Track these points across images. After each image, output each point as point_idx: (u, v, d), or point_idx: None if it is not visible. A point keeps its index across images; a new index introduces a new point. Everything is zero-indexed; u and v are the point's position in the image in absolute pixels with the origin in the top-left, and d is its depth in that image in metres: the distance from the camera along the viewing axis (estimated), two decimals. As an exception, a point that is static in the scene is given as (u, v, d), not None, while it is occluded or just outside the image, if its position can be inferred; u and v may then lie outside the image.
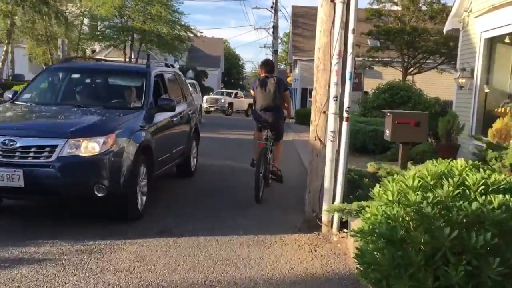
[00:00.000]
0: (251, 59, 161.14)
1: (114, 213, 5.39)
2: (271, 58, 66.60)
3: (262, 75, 7.05)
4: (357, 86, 20.17)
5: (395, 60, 20.25)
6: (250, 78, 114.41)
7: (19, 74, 24.14)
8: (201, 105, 22.19)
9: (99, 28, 28.81)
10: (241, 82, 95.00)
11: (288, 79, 41.91)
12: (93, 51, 42.11)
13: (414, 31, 17.92)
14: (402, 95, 13.00)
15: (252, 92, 7.18)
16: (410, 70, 19.55)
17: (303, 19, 30.76)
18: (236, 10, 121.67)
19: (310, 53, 27.00)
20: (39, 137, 4.84)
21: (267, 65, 7.25)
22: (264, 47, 70.01)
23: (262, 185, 6.53)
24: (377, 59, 20.11)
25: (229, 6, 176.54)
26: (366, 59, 20.18)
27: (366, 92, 19.22)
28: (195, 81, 21.90)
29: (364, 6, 21.76)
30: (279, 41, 34.92)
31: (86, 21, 30.24)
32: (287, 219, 5.87)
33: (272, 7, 33.53)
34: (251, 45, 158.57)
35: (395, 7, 20.02)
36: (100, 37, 28.07)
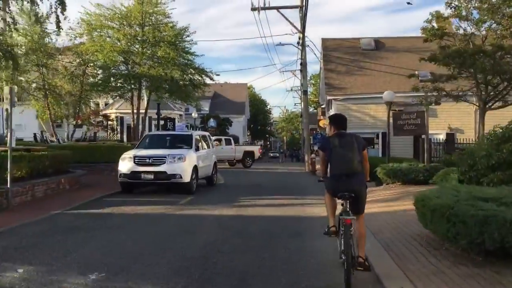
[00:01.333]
0: (278, 104, 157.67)
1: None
2: (299, 101, 62.79)
3: (333, 132, 5.67)
4: (419, 128, 15.17)
5: (466, 92, 15.19)
6: (279, 124, 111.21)
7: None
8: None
9: (99, 77, 25.00)
10: (268, 128, 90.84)
11: (321, 123, 36.96)
12: (106, 104, 38.70)
13: (499, 49, 12.96)
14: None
15: (321, 153, 5.83)
16: (491, 103, 14.40)
17: (336, 53, 26.36)
18: (262, 57, 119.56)
19: (347, 91, 21.86)
20: None
21: (340, 120, 5.83)
22: (291, 90, 66.37)
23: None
24: (442, 92, 15.15)
25: (255, 55, 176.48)
26: (430, 93, 15.27)
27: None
28: (207, 133, 17.39)
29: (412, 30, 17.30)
30: (307, 83, 30.30)
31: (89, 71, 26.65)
32: None
33: (298, 43, 29.30)
34: (277, 91, 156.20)
35: (463, 25, 15.14)
36: (102, 87, 24.21)
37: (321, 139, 44.16)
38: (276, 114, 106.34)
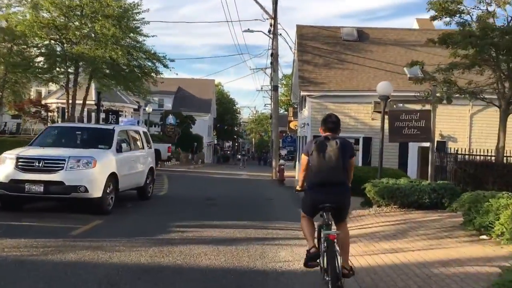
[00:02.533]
0: (249, 105, 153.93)
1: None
2: (269, 102, 58.77)
3: (322, 135, 5.00)
4: (423, 132, 11.39)
5: (484, 87, 11.54)
6: (248, 125, 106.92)
7: None
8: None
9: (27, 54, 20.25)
10: (236, 129, 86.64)
11: (292, 125, 33.15)
12: (49, 92, 33.77)
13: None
14: None
15: (304, 157, 4.99)
16: (517, 103, 10.82)
17: (313, 42, 22.58)
18: (235, 59, 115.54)
19: (324, 87, 17.62)
20: None
21: (332, 121, 5.12)
22: (261, 89, 62.51)
23: None
24: (454, 87, 11.46)
25: (227, 55, 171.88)
26: (441, 87, 11.57)
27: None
28: (142, 128, 13.16)
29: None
30: (278, 78, 26.41)
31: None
32: None
33: (269, 31, 25.40)
34: (248, 93, 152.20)
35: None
36: (24, 68, 19.48)
37: (291, 141, 40.48)
38: (245, 115, 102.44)
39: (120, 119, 30.58)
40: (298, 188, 5.34)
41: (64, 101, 29.07)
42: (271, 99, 55.88)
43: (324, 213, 4.72)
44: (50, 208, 9.74)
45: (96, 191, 8.99)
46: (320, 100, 20.70)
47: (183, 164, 35.78)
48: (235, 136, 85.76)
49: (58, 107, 32.23)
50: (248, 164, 56.02)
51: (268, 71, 62.62)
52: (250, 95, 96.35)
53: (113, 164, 9.70)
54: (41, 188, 8.66)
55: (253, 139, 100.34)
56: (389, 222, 9.35)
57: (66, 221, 8.46)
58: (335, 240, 4.59)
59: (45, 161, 8.80)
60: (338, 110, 20.76)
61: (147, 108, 30.93)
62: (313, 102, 20.73)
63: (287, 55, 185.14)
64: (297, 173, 26.58)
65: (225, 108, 70.66)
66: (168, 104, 56.01)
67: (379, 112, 21.23)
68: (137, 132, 12.02)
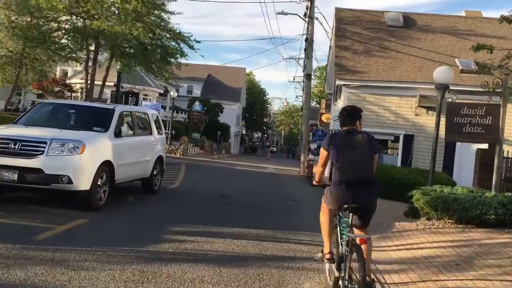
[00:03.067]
0: (280, 96, 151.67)
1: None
2: (301, 93, 56.45)
3: (343, 129, 4.52)
4: (488, 131, 9.23)
5: None
6: (278, 116, 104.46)
7: None
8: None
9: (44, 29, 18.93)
10: (266, 120, 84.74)
11: (324, 118, 31.07)
12: (66, 74, 32.75)
13: None
14: None
15: (323, 151, 4.54)
16: None
17: (353, 27, 20.42)
18: (268, 52, 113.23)
19: (363, 76, 15.46)
20: None
21: (353, 113, 4.64)
22: (293, 80, 60.31)
23: None
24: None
25: (261, 47, 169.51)
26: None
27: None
28: (150, 111, 11.45)
29: None
30: (312, 67, 24.34)
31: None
32: None
33: (305, 14, 23.33)
34: (280, 85, 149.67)
35: None
36: (39, 42, 18.17)
37: (322, 135, 38.26)
38: (276, 106, 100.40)
39: (143, 103, 29.33)
40: (314, 182, 4.94)
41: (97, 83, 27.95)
42: (303, 90, 53.72)
43: (351, 215, 4.26)
44: (34, 199, 8.20)
45: (83, 183, 7.36)
46: (357, 91, 18.60)
47: (207, 153, 34.28)
48: (264, 127, 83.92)
49: (82, 87, 31.16)
50: (275, 156, 54.18)
51: (301, 61, 60.44)
52: (281, 87, 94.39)
53: (108, 151, 8.05)
54: (14, 176, 7.08)
55: (283, 131, 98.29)
56: (445, 243, 7.36)
57: (41, 218, 6.86)
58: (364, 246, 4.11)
59: (23, 143, 7.20)
60: (378, 103, 18.68)
61: (171, 93, 29.41)
62: (350, 93, 18.64)
63: (322, 48, 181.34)
64: (327, 170, 24.53)
65: (255, 98, 68.88)
66: (196, 91, 54.69)
67: (425, 107, 19.01)
68: (144, 115, 10.34)
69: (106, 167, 7.97)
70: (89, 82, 20.62)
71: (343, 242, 4.34)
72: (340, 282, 4.24)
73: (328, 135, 5.65)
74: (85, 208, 7.56)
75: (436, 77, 9.79)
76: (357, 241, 4.04)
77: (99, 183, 7.71)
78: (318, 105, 53.28)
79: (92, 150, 7.56)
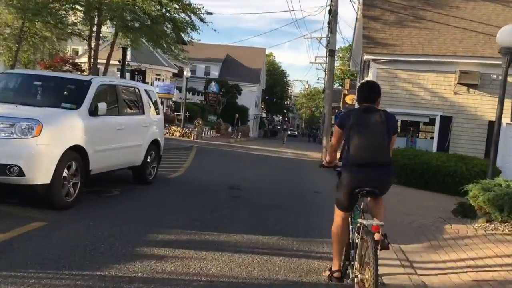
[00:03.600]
0: (301, 78, 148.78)
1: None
2: (323, 75, 53.69)
3: (360, 106, 4.15)
4: None
5: None
6: (298, 99, 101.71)
7: None
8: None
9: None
10: (286, 103, 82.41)
11: (347, 99, 28.94)
12: (76, 53, 31.24)
13: None
14: None
15: (337, 129, 4.15)
16: None
17: (383, -5, 18.03)
18: (290, 33, 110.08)
19: (396, 49, 13.45)
20: None
21: (372, 89, 4.20)
22: (315, 61, 57.75)
23: None
24: None
25: (283, 29, 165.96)
26: None
27: None
28: (143, 85, 9.64)
29: None
30: (336, 42, 22.14)
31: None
32: None
33: (328, -16, 21.10)
34: (302, 68, 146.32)
35: None
36: (44, 14, 16.48)
37: (344, 113, 35.77)
38: (297, 89, 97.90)
39: (155, 83, 27.67)
40: (324, 163, 4.51)
41: (100, 60, 26.22)
42: (324, 71, 51.27)
43: (363, 199, 3.96)
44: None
45: (40, 174, 5.64)
46: (388, 67, 16.45)
47: (223, 137, 32.57)
48: (285, 111, 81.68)
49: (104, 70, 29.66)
50: (295, 140, 52.19)
51: (323, 41, 57.84)
52: (302, 70, 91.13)
53: (78, 133, 6.31)
54: None
55: (304, 115, 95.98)
56: (521, 258, 5.44)
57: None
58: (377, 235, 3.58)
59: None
60: (411, 80, 16.52)
61: (185, 72, 27.62)
62: (379, 69, 16.51)
63: (346, 28, 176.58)
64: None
65: (275, 80, 66.67)
66: (214, 72, 52.84)
67: (465, 85, 16.73)
68: (134, 90, 8.54)
69: (77, 154, 6.24)
70: (92, 59, 18.97)
71: (354, 228, 4.04)
72: (349, 271, 3.96)
73: (344, 111, 5.06)
74: (47, 207, 5.87)
75: (501, 39, 7.68)
76: (370, 228, 3.61)
77: (65, 174, 6.00)
78: (340, 87, 50.88)
79: (52, 132, 5.83)
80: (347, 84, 29.82)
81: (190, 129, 27.57)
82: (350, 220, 4.18)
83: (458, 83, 15.82)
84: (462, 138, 16.16)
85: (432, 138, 16.64)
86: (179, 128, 27.28)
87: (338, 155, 4.62)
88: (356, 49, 21.94)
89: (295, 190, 10.43)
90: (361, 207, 4.01)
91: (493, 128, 16.13)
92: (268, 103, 67.12)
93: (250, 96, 51.28)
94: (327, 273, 4.25)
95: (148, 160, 8.78)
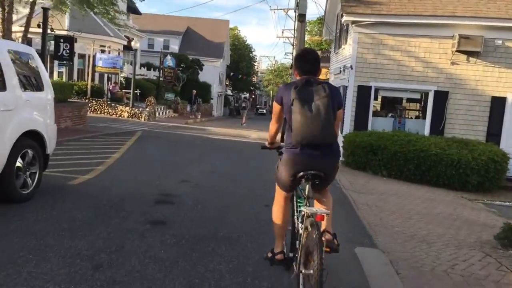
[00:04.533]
0: (267, 55, 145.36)
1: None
2: (291, 50, 49.74)
3: (300, 79, 3.60)
4: None
5: None
6: (266, 76, 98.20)
7: None
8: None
9: None
10: (253, 80, 78.85)
11: (321, 74, 25.58)
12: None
13: None
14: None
15: (276, 106, 3.72)
16: None
17: None
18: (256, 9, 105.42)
19: (382, 9, 10.74)
20: None
21: (313, 59, 3.69)
22: (282, 35, 54.39)
23: None
24: None
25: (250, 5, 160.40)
26: None
27: None
28: (11, 43, 6.19)
29: None
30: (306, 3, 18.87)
31: None
32: None
33: None
34: (269, 46, 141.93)
35: None
36: None
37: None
38: (264, 66, 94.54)
39: (98, 55, 23.81)
40: (267, 144, 4.09)
41: (33, 29, 21.90)
42: (293, 45, 48.00)
43: (307, 183, 3.51)
44: None
45: None
46: (371, 31, 13.41)
47: (182, 117, 29.08)
48: (251, 88, 78.12)
49: (24, 38, 25.37)
50: (263, 119, 49.03)
51: (290, 13, 54.36)
52: (270, 47, 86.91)
53: None
54: None
55: (271, 92, 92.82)
56: None
57: None
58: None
59: None
60: (399, 48, 13.54)
61: (133, 43, 23.86)
62: (361, 34, 13.44)
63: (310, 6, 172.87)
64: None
65: (241, 55, 62.92)
66: (174, 46, 48.69)
67: (465, 52, 13.84)
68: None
69: None
70: (6, 23, 15.13)
71: (298, 216, 3.64)
72: (294, 264, 3.51)
73: (282, 86, 3.70)
74: None
75: None
76: (314, 218, 3.19)
77: None
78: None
79: None
80: (320, 56, 26.68)
81: (141, 109, 23.97)
82: (295, 208, 3.78)
83: (457, 51, 12.96)
84: (460, 118, 13.41)
85: (424, 118, 13.82)
86: (127, 108, 23.63)
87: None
88: (330, 14, 18.78)
89: (258, 199, 7.28)
90: (307, 193, 3.50)
91: (497, 105, 13.55)
92: (234, 80, 63.50)
93: (213, 72, 47.61)
94: (269, 255, 3.81)
95: (20, 164, 5.46)
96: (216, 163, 10.87)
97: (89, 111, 23.32)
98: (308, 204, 3.49)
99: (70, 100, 15.92)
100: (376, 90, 13.76)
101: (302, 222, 3.42)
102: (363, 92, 13.57)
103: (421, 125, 13.74)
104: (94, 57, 23.76)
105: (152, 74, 36.41)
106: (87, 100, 23.35)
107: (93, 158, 9.62)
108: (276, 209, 3.77)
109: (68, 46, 15.35)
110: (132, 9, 38.61)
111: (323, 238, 3.29)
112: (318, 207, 3.62)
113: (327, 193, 3.77)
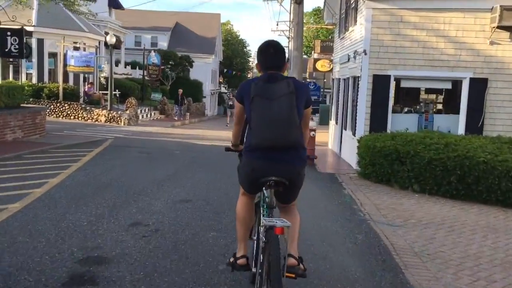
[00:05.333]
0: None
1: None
2: (286, 44, 46.56)
3: (262, 74, 3.31)
4: None
5: None
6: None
7: None
8: None
9: None
10: (248, 76, 76.08)
11: (319, 65, 23.38)
12: None
13: None
14: None
15: (237, 105, 3.38)
16: None
17: None
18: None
19: None
20: None
21: (276, 51, 3.35)
22: (277, 27, 51.59)
23: None
24: None
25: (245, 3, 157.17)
26: None
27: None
28: None
29: None
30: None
31: None
32: None
33: None
34: (262, 40, 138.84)
35: None
36: None
37: (315, 90, 29.87)
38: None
39: (69, 52, 21.06)
40: (231, 146, 3.73)
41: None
42: (288, 38, 45.22)
43: (267, 190, 3.22)
44: None
45: None
46: (388, 5, 10.70)
47: (169, 119, 26.31)
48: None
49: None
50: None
51: (285, 4, 51.50)
52: (263, 40, 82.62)
53: None
54: None
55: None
56: None
57: None
58: (285, 234, 2.99)
59: None
60: (424, 26, 10.80)
61: (108, 37, 21.01)
62: (376, 9, 10.71)
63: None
64: (331, 139, 16.96)
65: (234, 51, 60.11)
66: (162, 43, 45.84)
67: (509, 28, 11.27)
68: None
69: None
70: None
71: (261, 228, 3.20)
72: (256, 279, 3.17)
73: (243, 82, 3.34)
74: None
75: None
76: (273, 230, 2.91)
77: None
78: (306, 56, 44.90)
79: None
80: (318, 47, 23.97)
81: (120, 112, 21.23)
82: (260, 217, 3.30)
83: (498, 27, 10.26)
84: (503, 112, 10.73)
85: (456, 113, 11.10)
86: (104, 111, 20.90)
87: None
88: (332, -6, 16.04)
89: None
90: (268, 201, 3.18)
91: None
92: (228, 77, 60.71)
93: (205, 69, 44.84)
94: (231, 260, 3.43)
95: None
96: (193, 183, 8.13)
97: (61, 116, 20.64)
98: (270, 215, 3.17)
99: (24, 105, 13.18)
100: (396, 80, 11.06)
101: (263, 234, 3.06)
102: (380, 83, 10.85)
103: (453, 121, 11.04)
104: (65, 55, 21.00)
105: (138, 73, 33.66)
106: (58, 104, 20.66)
107: (19, 186, 6.91)
108: (238, 207, 3.42)
109: (17, 41, 12.64)
110: (114, 3, 35.86)
111: (287, 262, 3.07)
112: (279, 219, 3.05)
113: (292, 211, 3.39)
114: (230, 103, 27.62)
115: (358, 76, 11.30)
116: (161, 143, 14.62)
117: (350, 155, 11.89)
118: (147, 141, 14.89)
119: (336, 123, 15.14)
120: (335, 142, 15.12)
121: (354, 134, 11.51)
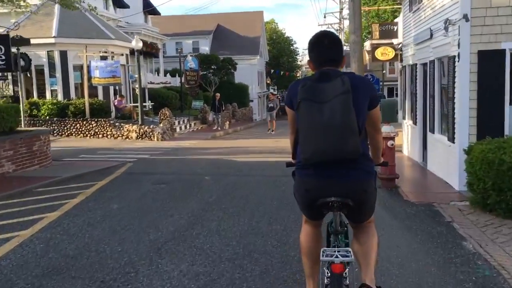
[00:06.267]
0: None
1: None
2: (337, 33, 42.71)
3: (315, 72, 2.72)
4: None
5: None
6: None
7: None
8: None
9: None
10: (297, 75, 72.51)
11: (379, 53, 20.00)
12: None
13: None
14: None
15: (289, 111, 2.83)
16: None
17: None
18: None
19: None
20: None
21: (330, 43, 2.75)
22: (324, 21, 47.77)
23: None
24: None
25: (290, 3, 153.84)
26: None
27: None
28: None
29: None
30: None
31: None
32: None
33: None
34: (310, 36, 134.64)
35: None
36: None
37: (375, 83, 25.93)
38: (307, 59, 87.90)
39: (93, 63, 18.79)
40: (292, 161, 2.95)
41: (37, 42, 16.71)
42: (337, 30, 41.47)
43: (333, 213, 2.70)
44: None
45: None
46: None
47: (210, 129, 23.48)
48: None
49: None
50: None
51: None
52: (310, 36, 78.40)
53: None
54: None
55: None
56: None
57: None
58: (345, 271, 2.54)
59: None
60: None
61: (133, 42, 18.54)
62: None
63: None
64: (406, 143, 13.34)
65: (280, 49, 56.90)
66: (204, 47, 43.49)
67: None
68: None
69: None
70: None
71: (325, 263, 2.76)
72: None
73: (292, 83, 2.57)
74: None
75: None
76: (332, 268, 2.53)
77: None
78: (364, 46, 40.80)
79: None
80: (376, 32, 20.27)
81: (152, 126, 18.67)
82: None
83: None
84: None
85: None
86: (135, 126, 18.43)
87: None
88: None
89: None
90: (334, 226, 2.77)
91: None
92: (276, 78, 57.54)
93: (250, 71, 42.00)
94: None
95: None
96: (214, 244, 5.01)
97: (88, 135, 18.40)
98: (336, 242, 2.76)
99: (20, 129, 10.72)
100: (515, 56, 7.45)
101: (326, 270, 2.66)
102: (490, 63, 7.30)
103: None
104: (88, 66, 18.75)
105: (178, 81, 31.30)
106: (84, 122, 18.44)
107: None
108: (301, 238, 2.92)
109: (3, 50, 10.20)
110: (149, 9, 33.91)
111: None
112: (354, 247, 2.68)
113: (367, 230, 2.81)
114: (271, 105, 24.14)
115: (453, 56, 7.78)
116: (191, 164, 11.70)
117: (447, 170, 8.34)
118: (174, 162, 12.03)
119: (414, 123, 11.57)
120: (415, 147, 11.56)
121: (452, 139, 7.97)
